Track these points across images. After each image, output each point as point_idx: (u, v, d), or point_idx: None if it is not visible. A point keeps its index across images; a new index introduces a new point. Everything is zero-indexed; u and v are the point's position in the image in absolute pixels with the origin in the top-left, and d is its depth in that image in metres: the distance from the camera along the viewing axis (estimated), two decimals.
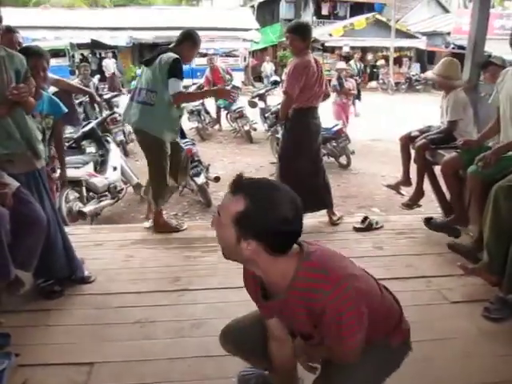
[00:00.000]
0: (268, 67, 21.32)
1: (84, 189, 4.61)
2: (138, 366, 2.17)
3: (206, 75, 11.51)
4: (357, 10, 25.45)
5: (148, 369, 2.15)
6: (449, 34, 22.25)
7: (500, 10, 29.13)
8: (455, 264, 3.07)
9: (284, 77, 4.49)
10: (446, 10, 27.65)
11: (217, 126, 10.92)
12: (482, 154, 2.99)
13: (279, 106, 7.68)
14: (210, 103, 11.07)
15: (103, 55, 23.69)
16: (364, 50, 23.37)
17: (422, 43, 23.46)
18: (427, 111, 7.15)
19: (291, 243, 1.40)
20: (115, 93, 10.15)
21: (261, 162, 7.77)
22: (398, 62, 22.59)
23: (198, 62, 20.07)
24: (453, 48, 20.79)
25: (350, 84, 9.26)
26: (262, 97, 9.55)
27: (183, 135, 6.08)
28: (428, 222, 3.68)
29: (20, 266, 2.36)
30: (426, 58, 24.02)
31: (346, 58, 23.67)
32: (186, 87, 11.47)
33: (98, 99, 3.37)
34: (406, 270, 3.14)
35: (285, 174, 3.84)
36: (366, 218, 3.91)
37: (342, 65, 10.42)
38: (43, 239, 2.47)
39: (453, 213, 3.74)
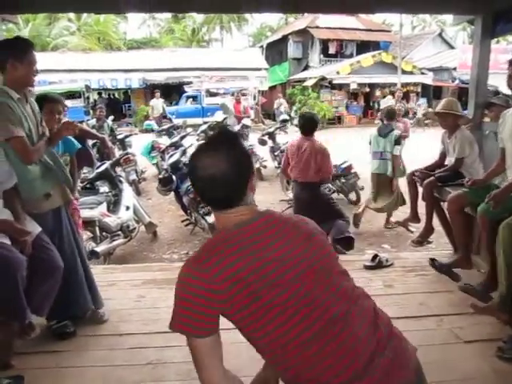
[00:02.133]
0: (283, 103, 21.48)
1: (97, 229, 4.71)
2: None
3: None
4: (363, 48, 26.03)
5: None
6: (455, 69, 22.57)
7: (505, 45, 29.61)
8: (467, 302, 3.06)
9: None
10: (451, 47, 28.17)
11: None
12: (490, 192, 3.04)
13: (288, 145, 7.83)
14: None
15: (116, 96, 24.51)
16: (371, 87, 23.77)
17: (428, 79, 23.81)
18: (436, 147, 7.20)
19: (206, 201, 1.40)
20: (128, 133, 10.42)
21: (271, 200, 7.83)
22: (405, 97, 22.88)
23: (208, 101, 20.63)
24: (460, 82, 21.06)
25: (401, 125, 7.31)
26: (271, 135, 9.72)
27: None
28: (433, 262, 3.68)
29: (34, 311, 2.41)
30: (432, 93, 24.31)
31: (354, 95, 24.13)
32: (198, 126, 11.86)
33: (110, 145, 3.51)
34: (417, 309, 3.12)
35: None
36: (376, 256, 3.92)
37: (387, 102, 9.09)
38: (58, 286, 2.54)
39: (470, 251, 3.75)
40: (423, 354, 2.43)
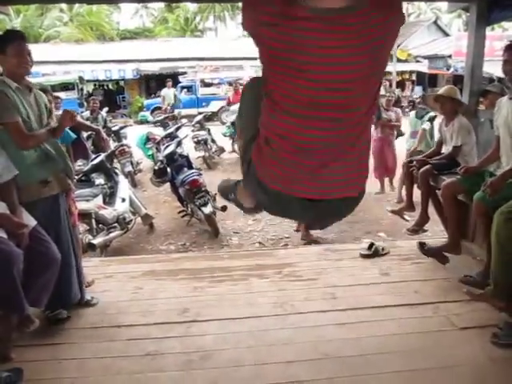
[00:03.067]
0: None
1: (93, 221, 4.70)
2: None
3: (228, 96, 12.81)
4: None
5: None
6: (450, 56, 22.51)
7: (500, 32, 29.52)
8: (462, 289, 3.10)
9: None
10: (446, 34, 28.05)
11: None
12: (485, 179, 3.05)
13: None
14: (217, 132, 11.27)
15: (110, 87, 24.31)
16: None
17: (423, 67, 23.75)
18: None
19: None
20: (123, 124, 10.37)
21: None
22: (400, 85, 22.81)
23: (202, 91, 20.51)
24: (455, 70, 21.02)
25: (392, 114, 7.23)
26: None
27: (190, 165, 6.21)
28: (422, 246, 3.70)
29: (32, 303, 2.42)
30: (427, 81, 24.27)
31: None
32: (193, 116, 11.82)
33: (105, 136, 3.51)
34: (413, 297, 3.15)
35: None
36: (372, 245, 3.94)
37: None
38: (56, 277, 2.55)
39: (459, 237, 3.78)
40: (419, 341, 2.48)
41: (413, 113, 7.26)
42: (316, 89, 1.20)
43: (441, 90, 3.99)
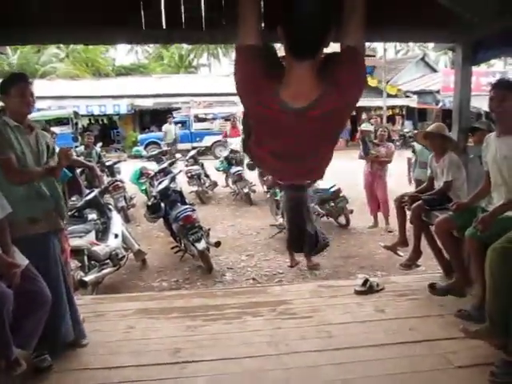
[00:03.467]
0: None
1: (86, 257, 4.64)
2: None
3: (225, 130, 14.04)
4: None
5: None
6: (438, 91, 23.10)
7: (486, 68, 30.38)
8: (458, 326, 3.06)
9: None
10: (434, 70, 28.84)
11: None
12: (477, 215, 3.09)
13: None
14: (211, 166, 11.34)
15: (105, 121, 24.54)
16: (358, 110, 24.13)
17: (412, 102, 24.29)
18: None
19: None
20: (117, 159, 10.42)
21: (261, 225, 7.83)
22: (391, 120, 23.27)
23: (196, 127, 20.78)
24: (443, 105, 21.52)
25: (382, 149, 7.28)
26: None
27: (183, 201, 6.22)
28: (433, 288, 3.68)
29: (20, 345, 2.37)
30: (417, 116, 24.78)
31: None
32: (187, 151, 11.93)
33: (99, 173, 3.54)
34: (409, 334, 3.11)
35: None
36: (366, 281, 3.92)
37: (367, 126, 9.12)
38: (45, 319, 2.50)
39: (452, 271, 3.78)
40: (416, 381, 2.44)
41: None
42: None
43: (430, 128, 4.09)
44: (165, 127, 16.65)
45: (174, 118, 20.79)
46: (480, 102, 17.89)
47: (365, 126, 8.86)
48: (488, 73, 25.81)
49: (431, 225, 3.81)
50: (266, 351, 2.90)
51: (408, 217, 4.12)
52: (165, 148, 13.53)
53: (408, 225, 4.23)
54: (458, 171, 3.88)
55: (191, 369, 2.72)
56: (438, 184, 4.00)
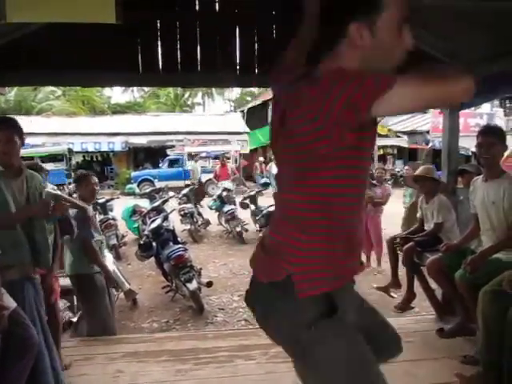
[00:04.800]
0: (274, 166, 21.55)
1: (75, 297, 4.57)
2: None
3: (215, 170, 14.21)
4: None
5: None
6: (428, 132, 23.60)
7: (473, 110, 31.14)
8: (454, 370, 3.03)
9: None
10: (423, 111, 29.57)
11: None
12: (466, 257, 3.11)
13: (270, 209, 7.92)
14: (204, 204, 11.35)
15: (99, 158, 24.68)
16: None
17: (403, 142, 24.75)
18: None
19: None
20: (109, 197, 10.41)
21: None
22: (382, 159, 23.60)
23: (190, 165, 20.92)
24: (433, 145, 21.93)
25: (378, 190, 7.15)
26: (252, 198, 9.82)
27: (175, 240, 6.20)
28: (441, 331, 3.63)
29: None
30: (407, 155, 25.19)
31: None
32: (180, 189, 11.97)
33: (91, 214, 3.54)
34: (404, 379, 3.06)
35: None
36: None
37: None
38: (31, 365, 2.43)
39: (445, 312, 3.77)
40: None
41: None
42: None
43: (419, 171, 4.16)
44: (190, 165, 16.64)
45: (167, 155, 20.92)
46: (469, 143, 18.26)
47: None
48: (475, 114, 26.50)
49: (423, 266, 3.82)
50: None
51: (400, 258, 4.13)
52: (190, 185, 13.70)
53: (400, 266, 4.23)
54: (448, 213, 3.94)
55: None
56: (429, 226, 4.04)
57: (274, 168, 20.43)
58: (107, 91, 40.94)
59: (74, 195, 8.30)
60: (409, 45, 1.15)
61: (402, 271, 4.27)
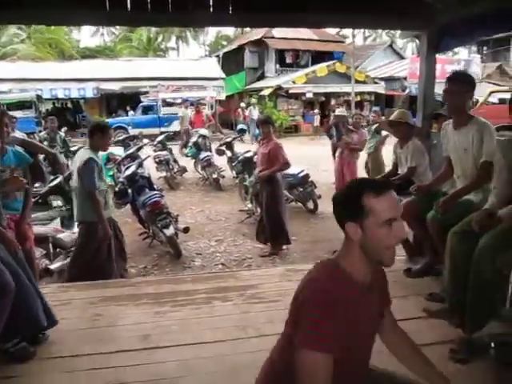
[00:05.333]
0: (254, 112, 20.85)
1: (50, 245, 4.55)
2: None
3: (190, 116, 14.26)
4: (318, 58, 26.57)
5: None
6: (405, 78, 23.49)
7: (451, 56, 31.06)
8: (421, 306, 3.18)
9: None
10: (402, 57, 29.30)
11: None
12: (438, 199, 3.18)
13: (246, 155, 7.89)
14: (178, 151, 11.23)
15: (69, 106, 23.87)
16: (326, 96, 24.31)
17: (380, 88, 24.61)
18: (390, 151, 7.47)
19: None
20: (82, 145, 10.15)
21: (230, 210, 7.85)
22: (359, 105, 23.53)
23: (164, 111, 20.46)
24: (410, 92, 21.91)
25: (355, 136, 7.31)
26: (229, 145, 9.74)
27: (151, 186, 6.15)
28: (408, 271, 3.77)
29: None
30: (385, 102, 25.15)
31: (310, 104, 24.59)
32: (155, 136, 11.80)
33: (61, 161, 3.47)
34: None
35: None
36: None
37: (342, 112, 8.71)
38: (9, 306, 2.44)
39: (414, 254, 3.90)
40: (380, 360, 2.50)
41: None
42: None
43: (393, 115, 4.16)
44: (181, 112, 16.10)
45: (141, 102, 20.36)
46: None
47: (339, 112, 8.67)
48: (453, 60, 26.42)
49: None
50: (235, 335, 2.92)
51: None
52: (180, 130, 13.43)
53: None
54: (421, 157, 3.98)
55: (160, 354, 2.73)
56: (402, 170, 4.09)
57: (253, 113, 20.23)
58: (75, 34, 39.10)
59: (45, 142, 8.10)
60: (400, 237, 1.42)
61: None
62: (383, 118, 20.02)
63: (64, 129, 10.49)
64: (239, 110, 22.42)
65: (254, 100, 22.12)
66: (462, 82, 3.07)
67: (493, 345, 2.56)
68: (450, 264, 2.80)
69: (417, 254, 3.97)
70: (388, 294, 1.72)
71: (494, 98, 14.57)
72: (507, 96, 15.77)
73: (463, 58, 28.48)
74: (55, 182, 5.26)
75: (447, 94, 3.10)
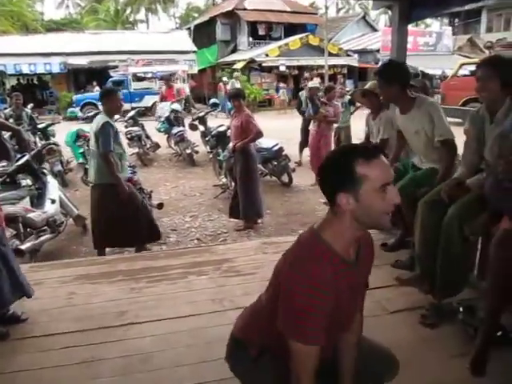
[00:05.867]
0: (237, 85, 20.58)
1: (21, 225, 4.44)
2: None
3: (161, 91, 13.51)
4: (290, 30, 26.30)
5: None
6: (378, 51, 23.51)
7: (423, 28, 31.16)
8: (393, 275, 3.26)
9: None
10: (374, 29, 29.22)
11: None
12: (409, 171, 3.25)
13: (219, 129, 7.82)
14: (151, 127, 11.02)
15: (35, 82, 23.06)
16: (300, 69, 24.14)
17: (353, 61, 24.58)
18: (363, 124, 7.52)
19: None
20: (50, 121, 9.87)
21: (205, 185, 7.80)
22: (332, 79, 23.51)
23: (135, 86, 19.98)
24: None
25: (330, 109, 7.21)
26: (202, 119, 9.61)
27: None
28: (385, 246, 3.83)
29: None
30: (357, 75, 25.17)
31: (284, 77, 24.39)
32: (126, 112, 11.54)
33: (26, 137, 3.34)
34: None
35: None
36: None
37: (315, 84, 8.44)
38: None
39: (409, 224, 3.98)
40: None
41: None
42: None
43: (367, 86, 4.16)
44: (177, 86, 15.59)
45: (111, 77, 19.86)
46: (417, 62, 18.46)
47: (313, 84, 8.33)
48: (425, 33, 26.55)
49: None
50: (211, 308, 2.94)
51: None
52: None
53: None
54: (393, 129, 4.00)
55: (136, 330, 2.72)
56: (375, 141, 4.12)
57: (236, 86, 19.89)
58: (39, 6, 37.47)
59: (11, 120, 7.82)
60: (394, 201, 1.35)
61: None
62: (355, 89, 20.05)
63: (30, 105, 10.12)
64: (220, 84, 21.99)
65: (237, 73, 21.67)
66: (385, 74, 3.15)
67: (461, 309, 2.66)
68: (420, 233, 2.87)
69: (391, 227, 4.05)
70: (370, 267, 1.69)
71: (465, 71, 14.72)
72: None
73: (435, 30, 28.62)
74: (23, 161, 5.10)
75: (379, 87, 3.21)
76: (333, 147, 7.35)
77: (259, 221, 5.73)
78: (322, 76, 22.45)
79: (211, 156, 8.32)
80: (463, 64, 15.14)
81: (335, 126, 7.72)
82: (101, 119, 4.29)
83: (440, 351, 2.43)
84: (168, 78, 14.97)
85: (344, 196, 1.34)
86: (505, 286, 2.15)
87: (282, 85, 23.58)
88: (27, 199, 4.78)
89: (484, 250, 2.90)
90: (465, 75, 14.35)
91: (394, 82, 3.07)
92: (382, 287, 3.17)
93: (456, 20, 31.48)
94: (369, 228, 1.47)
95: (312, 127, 7.56)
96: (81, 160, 8.27)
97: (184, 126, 10.19)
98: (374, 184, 1.31)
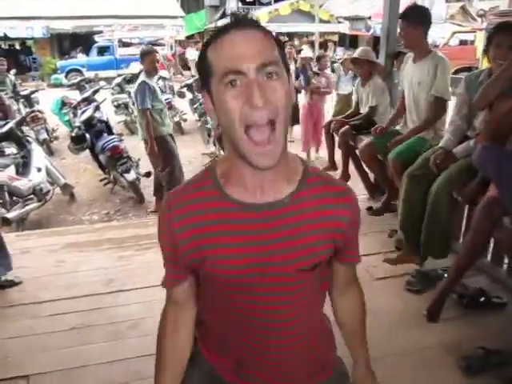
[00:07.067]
0: None
1: (6, 194, 4.39)
2: (78, 372, 2.14)
3: None
4: None
5: (88, 374, 2.13)
6: (370, 18, 23.09)
7: None
8: (379, 242, 3.30)
9: None
10: None
11: None
12: (393, 138, 3.26)
13: None
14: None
15: (17, 47, 22.36)
16: (290, 36, 23.69)
17: (345, 28, 24.15)
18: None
19: None
20: (34, 88, 9.63)
21: (193, 154, 7.73)
22: (323, 46, 23.15)
23: (121, 52, 19.47)
24: (374, 32, 21.63)
25: (322, 79, 6.76)
26: (190, 87, 9.44)
27: (110, 131, 5.95)
28: (370, 210, 3.86)
29: None
30: (348, 42, 24.81)
31: None
32: (112, 79, 11.29)
33: (7, 102, 3.27)
34: None
35: None
36: None
37: (307, 53, 7.76)
38: None
39: (376, 192, 4.00)
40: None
41: None
42: None
43: (356, 52, 4.10)
44: (189, 52, 15.14)
45: (96, 42, 19.34)
46: None
47: (305, 53, 7.57)
48: (416, 2, 26.06)
49: (358, 149, 3.94)
50: None
51: (336, 141, 4.22)
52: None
53: (337, 149, 4.34)
54: (382, 96, 3.98)
55: (124, 297, 2.74)
56: (364, 109, 4.10)
57: None
58: None
59: None
60: (250, 101, 0.81)
61: (338, 154, 4.39)
62: (346, 56, 19.80)
63: (13, 71, 9.84)
64: None
65: None
66: (410, 17, 3.07)
67: (446, 276, 2.71)
68: (406, 205, 2.90)
69: (378, 193, 4.07)
70: (347, 243, 1.03)
71: (456, 39, 14.59)
72: (470, 37, 15.85)
73: None
74: (6, 128, 5.00)
75: (402, 30, 3.11)
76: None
77: None
78: (312, 43, 22.09)
79: (200, 124, 8.21)
80: (455, 32, 14.99)
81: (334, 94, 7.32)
82: (139, 79, 4.65)
83: (423, 316, 2.49)
84: (154, 44, 14.61)
85: (204, 96, 0.94)
86: (481, 242, 2.29)
87: None
88: (12, 167, 4.71)
89: (470, 218, 2.94)
90: (460, 43, 14.16)
91: (419, 26, 3.03)
92: (369, 254, 3.21)
93: None
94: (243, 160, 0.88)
95: (303, 100, 7.06)
96: (67, 127, 8.14)
97: (173, 93, 10.02)
98: (217, 72, 0.85)
